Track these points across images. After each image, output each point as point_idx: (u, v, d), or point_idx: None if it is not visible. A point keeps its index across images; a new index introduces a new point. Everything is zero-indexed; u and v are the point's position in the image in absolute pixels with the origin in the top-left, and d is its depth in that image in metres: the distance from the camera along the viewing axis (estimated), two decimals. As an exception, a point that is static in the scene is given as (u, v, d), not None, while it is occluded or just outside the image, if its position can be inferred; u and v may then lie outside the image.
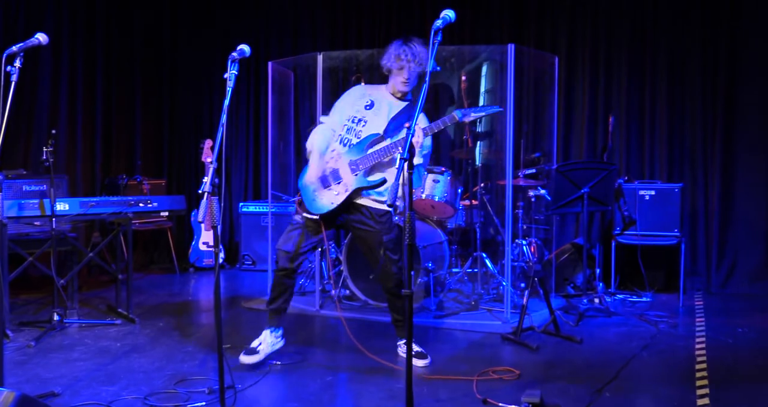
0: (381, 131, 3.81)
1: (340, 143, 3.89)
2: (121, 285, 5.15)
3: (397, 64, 3.78)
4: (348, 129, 3.88)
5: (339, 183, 3.84)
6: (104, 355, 4.08)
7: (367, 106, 3.91)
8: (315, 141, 3.91)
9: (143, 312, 5.23)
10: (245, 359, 3.88)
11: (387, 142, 3.78)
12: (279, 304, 4.04)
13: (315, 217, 3.90)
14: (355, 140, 3.85)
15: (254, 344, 3.97)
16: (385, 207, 3.85)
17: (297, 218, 4.01)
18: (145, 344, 4.35)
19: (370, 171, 3.80)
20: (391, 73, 3.87)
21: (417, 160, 3.71)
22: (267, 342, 3.99)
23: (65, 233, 4.84)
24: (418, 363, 3.91)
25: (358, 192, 3.83)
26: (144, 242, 7.57)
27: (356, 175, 3.79)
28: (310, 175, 3.91)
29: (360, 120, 3.87)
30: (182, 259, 7.13)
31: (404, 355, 3.71)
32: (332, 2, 7.32)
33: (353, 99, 3.98)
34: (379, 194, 3.84)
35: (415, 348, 3.95)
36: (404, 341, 3.82)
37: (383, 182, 3.79)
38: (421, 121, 3.82)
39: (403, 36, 3.85)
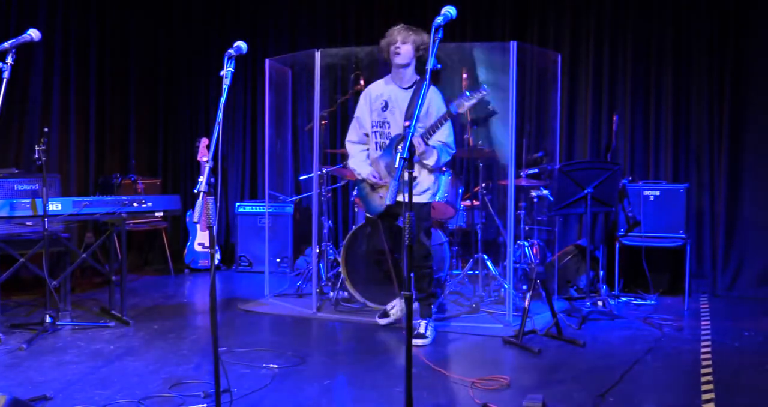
0: (401, 130, 4.30)
1: (376, 148, 4.46)
2: (114, 287, 5.08)
3: (387, 43, 4.30)
4: (379, 134, 4.44)
5: (384, 187, 4.41)
6: (97, 358, 4.03)
7: (383, 108, 4.39)
8: (358, 168, 4.58)
9: (137, 314, 5.18)
10: (380, 321, 4.73)
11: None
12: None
13: (372, 216, 4.63)
14: (385, 142, 4.42)
15: (388, 306, 4.74)
16: (423, 199, 4.39)
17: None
18: (140, 347, 4.30)
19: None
20: (389, 58, 4.34)
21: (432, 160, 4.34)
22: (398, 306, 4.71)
23: (58, 233, 4.80)
24: (416, 342, 4.28)
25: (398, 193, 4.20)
26: (138, 243, 7.52)
27: (392, 176, 4.28)
28: (368, 181, 4.54)
29: (384, 123, 4.40)
30: (177, 260, 7.05)
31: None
32: (331, -2, 7.28)
33: (370, 105, 4.48)
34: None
35: (421, 328, 4.40)
36: (422, 320, 4.45)
37: (414, 179, 4.13)
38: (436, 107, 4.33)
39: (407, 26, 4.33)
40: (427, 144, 4.17)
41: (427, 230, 4.48)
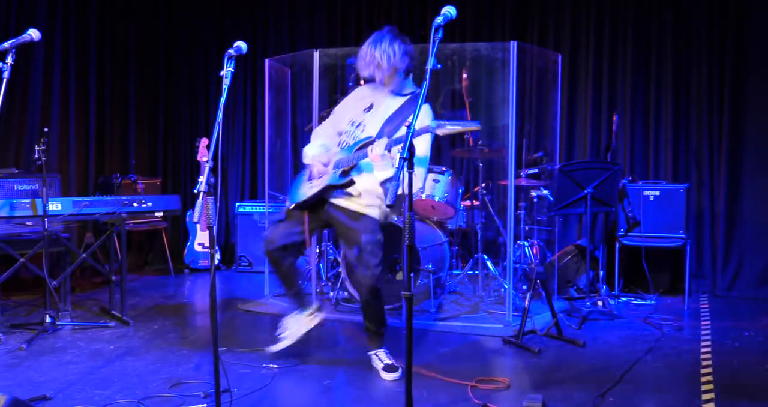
0: (373, 134, 3.69)
1: (338, 145, 3.88)
2: (114, 287, 5.08)
3: (364, 69, 3.69)
4: (347, 133, 3.85)
5: (320, 179, 3.84)
6: (97, 358, 4.03)
7: (365, 109, 3.84)
8: (307, 152, 3.94)
9: (137, 314, 5.18)
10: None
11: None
12: (292, 289, 4.01)
13: (290, 206, 3.94)
14: (351, 142, 3.78)
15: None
16: (361, 209, 3.73)
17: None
18: (140, 346, 4.30)
19: (349, 172, 3.72)
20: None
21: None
22: (294, 325, 4.04)
23: (58, 233, 4.80)
24: (387, 376, 3.71)
25: (328, 189, 3.78)
26: (138, 243, 7.52)
27: (334, 172, 3.76)
28: (309, 170, 3.97)
29: (359, 124, 3.81)
30: (177, 260, 7.05)
31: (378, 367, 3.79)
32: (331, -3, 7.28)
33: (354, 101, 3.96)
34: (349, 195, 3.74)
35: (385, 360, 3.81)
36: (375, 351, 3.89)
37: (350, 183, 3.71)
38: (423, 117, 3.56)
39: (376, 34, 3.68)
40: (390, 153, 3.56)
41: (374, 251, 3.71)
